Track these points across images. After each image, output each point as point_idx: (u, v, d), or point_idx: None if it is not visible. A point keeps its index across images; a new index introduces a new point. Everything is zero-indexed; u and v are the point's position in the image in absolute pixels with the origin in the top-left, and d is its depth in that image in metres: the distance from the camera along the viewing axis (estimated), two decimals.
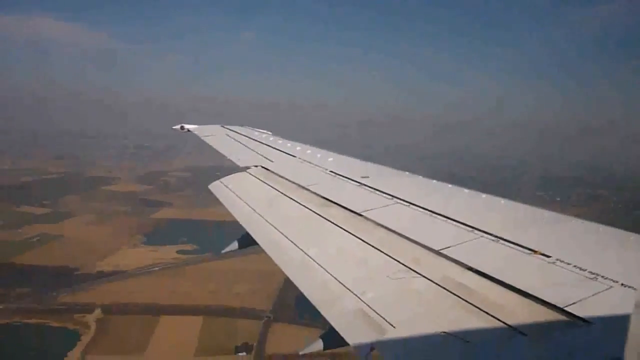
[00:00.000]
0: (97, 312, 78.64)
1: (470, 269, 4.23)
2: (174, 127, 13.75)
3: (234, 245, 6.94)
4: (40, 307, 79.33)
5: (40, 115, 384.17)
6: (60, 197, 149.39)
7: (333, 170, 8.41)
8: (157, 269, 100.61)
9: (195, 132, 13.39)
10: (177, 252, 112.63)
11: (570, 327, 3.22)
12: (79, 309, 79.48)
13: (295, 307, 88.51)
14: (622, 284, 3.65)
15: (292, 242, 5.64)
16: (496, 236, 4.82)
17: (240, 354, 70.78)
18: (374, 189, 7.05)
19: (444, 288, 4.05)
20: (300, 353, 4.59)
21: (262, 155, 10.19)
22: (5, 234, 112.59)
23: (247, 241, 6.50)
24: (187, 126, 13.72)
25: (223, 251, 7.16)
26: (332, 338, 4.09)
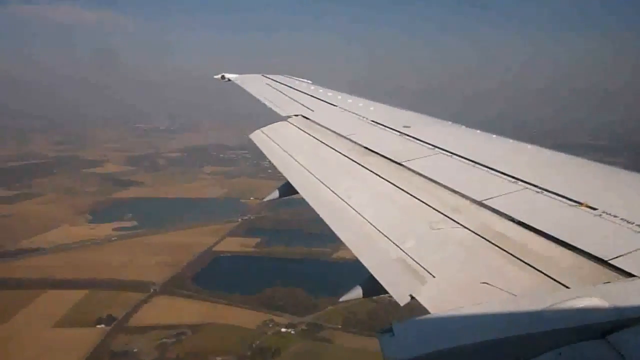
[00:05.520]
0: None
1: (512, 220, 4.14)
2: (215, 77, 13.70)
3: (275, 194, 6.97)
4: None
5: (53, 100, 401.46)
6: (35, 180, 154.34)
7: (374, 120, 8.31)
8: (78, 245, 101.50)
9: (237, 82, 13.29)
10: (113, 229, 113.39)
11: (615, 280, 3.10)
12: None
13: (192, 281, 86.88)
14: None
15: (332, 190, 5.61)
16: (540, 187, 4.64)
17: (99, 325, 70.08)
18: (416, 138, 6.90)
19: (484, 239, 3.96)
20: (340, 300, 4.53)
21: (302, 104, 10.10)
22: None
23: (288, 190, 6.53)
24: (227, 75, 13.57)
25: (265, 199, 7.24)
26: (372, 286, 4.03)
